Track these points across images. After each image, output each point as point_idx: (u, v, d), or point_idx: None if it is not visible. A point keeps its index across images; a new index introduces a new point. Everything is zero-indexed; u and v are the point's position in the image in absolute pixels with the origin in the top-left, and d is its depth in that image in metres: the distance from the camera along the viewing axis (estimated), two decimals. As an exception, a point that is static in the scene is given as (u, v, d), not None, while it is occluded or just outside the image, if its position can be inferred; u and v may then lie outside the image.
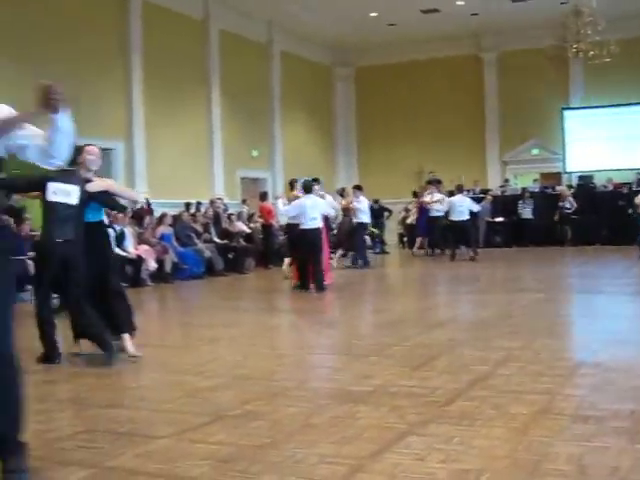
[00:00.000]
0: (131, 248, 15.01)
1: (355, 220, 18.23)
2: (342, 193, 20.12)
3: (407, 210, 25.37)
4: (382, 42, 27.46)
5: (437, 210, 20.63)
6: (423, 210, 22.02)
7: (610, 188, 23.72)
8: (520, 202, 23.50)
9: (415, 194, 24.24)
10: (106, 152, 18.57)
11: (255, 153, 24.10)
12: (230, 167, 22.44)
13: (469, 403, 5.05)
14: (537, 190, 24.56)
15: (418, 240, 22.54)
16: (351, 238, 18.43)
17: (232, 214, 19.51)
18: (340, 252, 18.47)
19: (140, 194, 8.02)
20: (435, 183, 21.83)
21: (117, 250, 14.66)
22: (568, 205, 22.75)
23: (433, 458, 3.96)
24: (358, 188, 18.70)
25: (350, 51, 28.73)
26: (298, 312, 11.09)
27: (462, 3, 23.79)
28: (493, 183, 26.82)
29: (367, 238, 20.64)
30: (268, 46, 24.70)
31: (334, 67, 29.37)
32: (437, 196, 20.90)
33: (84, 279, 6.98)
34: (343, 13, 24.24)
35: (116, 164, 18.68)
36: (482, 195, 24.11)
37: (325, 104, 28.81)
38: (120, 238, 14.97)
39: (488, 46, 27.37)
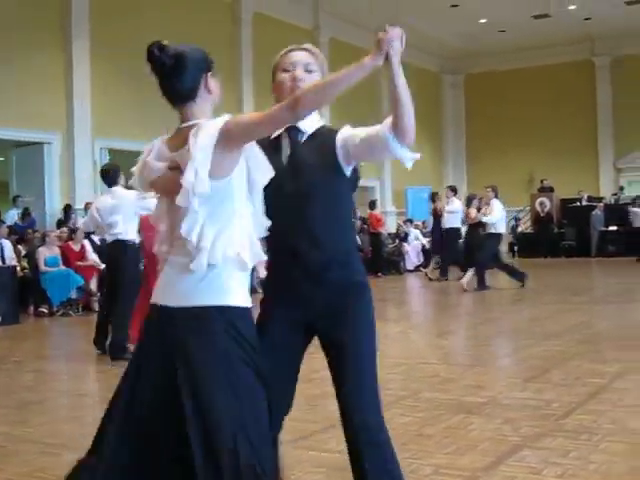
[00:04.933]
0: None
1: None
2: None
3: (518, 219, 25.03)
4: (492, 49, 27.18)
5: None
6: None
7: None
8: (631, 210, 22.74)
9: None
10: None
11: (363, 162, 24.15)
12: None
13: (586, 417, 4.95)
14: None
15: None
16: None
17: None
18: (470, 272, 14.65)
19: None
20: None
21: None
22: None
23: (549, 472, 3.90)
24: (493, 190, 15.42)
25: (459, 58, 28.54)
26: (409, 320, 11.07)
27: (574, 7, 23.34)
28: (606, 191, 26.12)
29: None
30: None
31: (443, 74, 29.22)
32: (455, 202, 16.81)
33: None
34: (452, 19, 24.10)
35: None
36: (592, 203, 23.61)
37: (434, 112, 28.67)
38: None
39: (601, 51, 26.75)
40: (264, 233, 2.66)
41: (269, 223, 2.65)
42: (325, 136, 2.82)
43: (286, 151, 2.81)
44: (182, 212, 2.48)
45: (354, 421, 2.73)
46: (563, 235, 24.12)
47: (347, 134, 2.79)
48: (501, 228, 14.82)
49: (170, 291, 2.54)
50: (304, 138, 2.83)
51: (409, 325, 10.63)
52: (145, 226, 8.00)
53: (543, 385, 5.94)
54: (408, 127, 2.65)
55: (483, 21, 24.54)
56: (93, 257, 13.06)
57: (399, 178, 23.71)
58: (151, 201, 8.06)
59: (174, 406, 2.42)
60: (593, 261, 21.57)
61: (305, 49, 2.91)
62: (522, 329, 9.39)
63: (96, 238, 13.28)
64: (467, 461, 4.13)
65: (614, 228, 23.20)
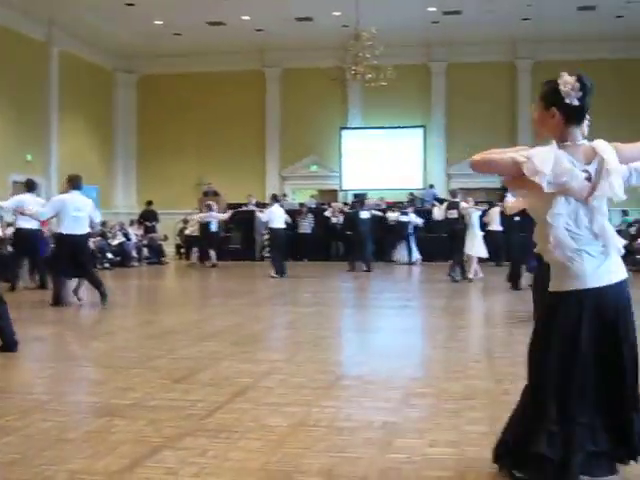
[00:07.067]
0: None
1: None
2: None
3: (186, 221, 25.19)
4: (168, 51, 27.16)
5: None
6: None
7: (383, 206, 24.57)
8: (298, 217, 23.69)
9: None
10: None
11: (29, 157, 23.14)
12: (1, 170, 21.41)
13: (228, 415, 5.07)
14: (314, 206, 24.94)
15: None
16: None
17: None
18: None
19: None
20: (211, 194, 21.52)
21: None
22: (335, 220, 23.54)
23: (185, 472, 3.94)
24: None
25: (134, 57, 28.22)
26: (65, 323, 10.66)
27: (248, 18, 23.98)
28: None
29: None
30: (47, 45, 23.76)
31: (117, 72, 28.75)
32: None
33: None
34: (127, 18, 23.76)
35: None
36: (259, 209, 24.37)
37: (105, 110, 28.13)
38: None
39: (271, 62, 27.71)
40: None
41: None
42: None
43: None
44: (592, 212, 3.43)
45: None
46: (229, 239, 24.62)
47: None
48: None
49: (602, 272, 3.45)
50: None
51: (64, 327, 10.17)
52: None
53: (191, 386, 6.00)
54: None
55: (159, 22, 24.45)
56: None
57: (66, 175, 22.88)
58: None
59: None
60: (257, 264, 22.30)
61: None
62: (181, 330, 9.42)
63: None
64: (104, 464, 4.06)
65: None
